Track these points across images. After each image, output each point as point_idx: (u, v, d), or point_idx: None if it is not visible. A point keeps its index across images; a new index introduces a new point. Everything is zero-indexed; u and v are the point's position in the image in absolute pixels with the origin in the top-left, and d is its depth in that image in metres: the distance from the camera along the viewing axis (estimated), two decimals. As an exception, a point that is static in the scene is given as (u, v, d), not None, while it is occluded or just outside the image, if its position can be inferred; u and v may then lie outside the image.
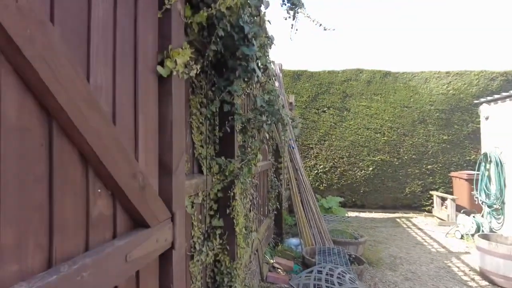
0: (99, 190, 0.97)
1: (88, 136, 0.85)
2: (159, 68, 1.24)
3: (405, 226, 7.34)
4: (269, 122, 2.03)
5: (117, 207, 1.06)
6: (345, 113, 9.00)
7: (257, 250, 3.64)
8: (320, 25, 1.96)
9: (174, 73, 1.28)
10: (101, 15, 0.97)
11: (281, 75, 5.35)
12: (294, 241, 5.18)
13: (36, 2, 0.70)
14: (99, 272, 0.88)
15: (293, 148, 5.15)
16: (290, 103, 7.91)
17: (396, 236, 6.42)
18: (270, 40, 1.85)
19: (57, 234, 0.80)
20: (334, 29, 1.96)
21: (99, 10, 0.95)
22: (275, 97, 2.00)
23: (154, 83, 1.26)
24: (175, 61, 1.27)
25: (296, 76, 9.28)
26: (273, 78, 2.06)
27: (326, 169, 8.96)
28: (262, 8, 1.71)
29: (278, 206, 5.20)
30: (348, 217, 6.91)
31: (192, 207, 1.92)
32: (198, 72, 1.96)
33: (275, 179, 5.14)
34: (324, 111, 9.12)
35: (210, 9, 1.36)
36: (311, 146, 9.12)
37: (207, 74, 2.02)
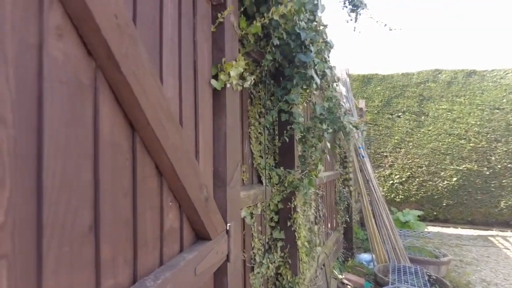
0: (170, 203, 0.98)
1: (167, 149, 0.87)
2: (213, 81, 1.26)
3: (501, 246, 6.34)
4: (330, 130, 1.93)
5: (183, 219, 1.07)
6: (422, 117, 8.24)
7: (323, 265, 3.47)
8: (385, 25, 1.81)
9: (228, 85, 1.29)
10: (170, 29, 0.99)
11: (348, 80, 5.13)
12: (366, 256, 4.84)
13: (128, 18, 0.72)
14: (177, 286, 0.88)
15: (363, 157, 4.86)
16: (360, 109, 7.54)
17: (489, 258, 5.57)
18: (328, 45, 1.77)
19: (140, 248, 0.82)
20: (400, 29, 1.79)
21: (168, 23, 0.98)
22: (335, 104, 1.90)
23: (210, 95, 1.28)
24: (229, 74, 1.27)
25: (366, 80, 8.83)
26: (332, 84, 1.97)
27: (403, 179, 8.26)
28: (318, 12, 1.64)
29: (348, 219, 4.94)
30: (428, 232, 6.23)
31: (252, 217, 1.91)
32: (254, 83, 1.96)
33: (344, 190, 4.90)
34: (399, 116, 8.47)
35: (263, 18, 1.34)
36: (385, 154, 8.52)
37: (266, 84, 2.01)
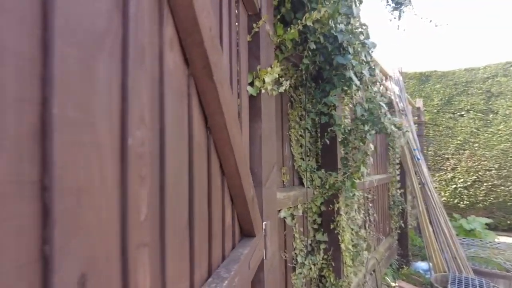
0: (228, 201, 1.06)
1: (235, 150, 0.95)
2: (248, 88, 1.34)
3: None
4: (373, 132, 1.90)
5: (235, 216, 1.13)
6: (490, 116, 7.49)
7: (374, 270, 3.36)
8: (431, 21, 1.73)
9: (263, 91, 1.35)
10: (225, 40, 1.07)
11: (401, 78, 4.88)
12: (423, 265, 4.56)
13: (217, 30, 0.81)
14: (242, 278, 0.97)
15: (418, 159, 4.58)
16: (418, 108, 7.12)
17: None
18: (366, 45, 1.74)
19: (212, 243, 0.90)
20: (447, 24, 1.70)
21: (225, 34, 1.04)
22: (375, 105, 1.86)
23: (247, 100, 1.36)
24: (263, 80, 1.34)
25: (424, 78, 8.29)
26: (371, 85, 1.92)
27: (468, 183, 7.58)
28: (354, 14, 1.63)
29: (402, 225, 4.69)
30: (498, 243, 5.63)
31: (293, 219, 1.95)
32: (294, 86, 2.00)
33: (398, 194, 4.67)
34: (461, 115, 7.81)
35: (297, 25, 1.39)
36: (446, 156, 7.91)
37: (306, 87, 2.04)
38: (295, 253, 1.99)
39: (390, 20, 1.97)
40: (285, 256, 1.88)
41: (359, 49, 1.65)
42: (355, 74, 1.73)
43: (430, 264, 4.02)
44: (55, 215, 0.35)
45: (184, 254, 0.72)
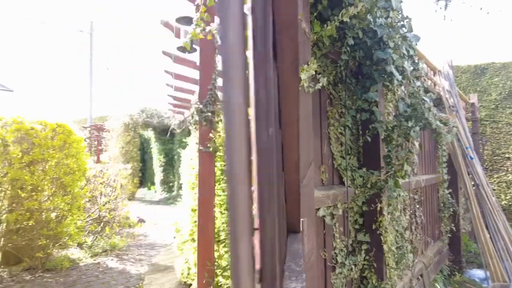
0: (283, 196, 1.08)
1: (299, 143, 0.99)
2: (285, 85, 1.35)
3: None
4: (417, 128, 1.80)
5: (285, 211, 1.16)
6: (560, 111, 6.74)
7: (421, 275, 3.19)
8: (481, 8, 1.61)
9: (299, 88, 1.36)
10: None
11: (451, 72, 4.57)
12: (479, 273, 4.24)
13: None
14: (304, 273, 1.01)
15: (471, 158, 4.26)
16: (472, 104, 6.62)
17: None
18: (407, 39, 1.66)
19: (281, 236, 0.94)
20: (500, 11, 1.56)
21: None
22: (418, 99, 1.77)
23: (283, 98, 1.38)
24: (300, 78, 1.35)
25: (479, 71, 7.67)
26: (413, 79, 1.82)
27: (533, 185, 6.89)
28: (393, 7, 1.57)
29: (454, 228, 4.39)
30: None
31: (333, 218, 1.92)
32: (334, 83, 1.98)
33: (449, 195, 4.38)
34: (525, 111, 7.12)
35: (334, 21, 1.38)
36: (507, 156, 7.25)
37: (346, 83, 2.00)
38: (335, 253, 1.97)
39: (436, 11, 1.87)
40: (325, 255, 1.86)
41: (399, 43, 1.59)
42: (396, 68, 1.66)
43: (487, 272, 3.73)
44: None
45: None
